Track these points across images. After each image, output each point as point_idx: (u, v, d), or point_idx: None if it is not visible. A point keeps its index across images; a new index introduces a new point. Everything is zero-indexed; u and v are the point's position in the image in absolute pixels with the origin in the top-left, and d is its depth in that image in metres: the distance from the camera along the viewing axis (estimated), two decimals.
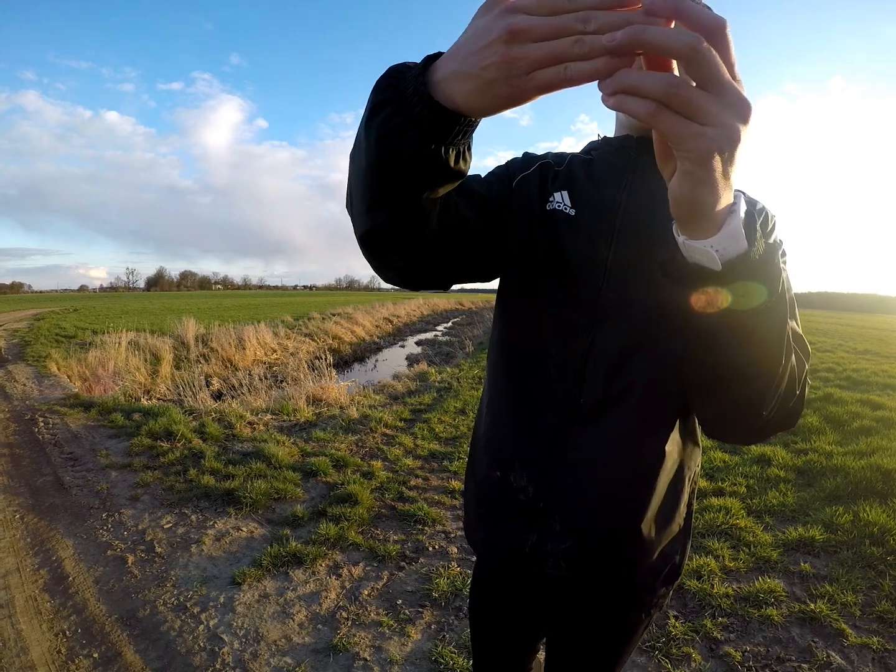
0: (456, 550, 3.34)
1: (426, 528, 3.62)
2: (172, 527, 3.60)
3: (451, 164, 0.62)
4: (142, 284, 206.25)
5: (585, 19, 0.44)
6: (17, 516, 3.77)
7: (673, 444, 0.94)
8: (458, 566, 3.16)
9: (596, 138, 1.05)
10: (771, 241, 0.59)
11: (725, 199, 0.51)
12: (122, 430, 5.71)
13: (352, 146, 0.68)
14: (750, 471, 4.58)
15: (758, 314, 0.58)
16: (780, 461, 4.76)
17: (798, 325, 0.80)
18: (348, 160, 0.69)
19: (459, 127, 0.58)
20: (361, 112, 0.64)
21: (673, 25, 0.44)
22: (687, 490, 0.99)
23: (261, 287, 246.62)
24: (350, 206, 0.74)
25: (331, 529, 3.46)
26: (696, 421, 0.97)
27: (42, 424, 5.93)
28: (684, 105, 0.43)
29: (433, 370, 10.24)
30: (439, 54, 0.56)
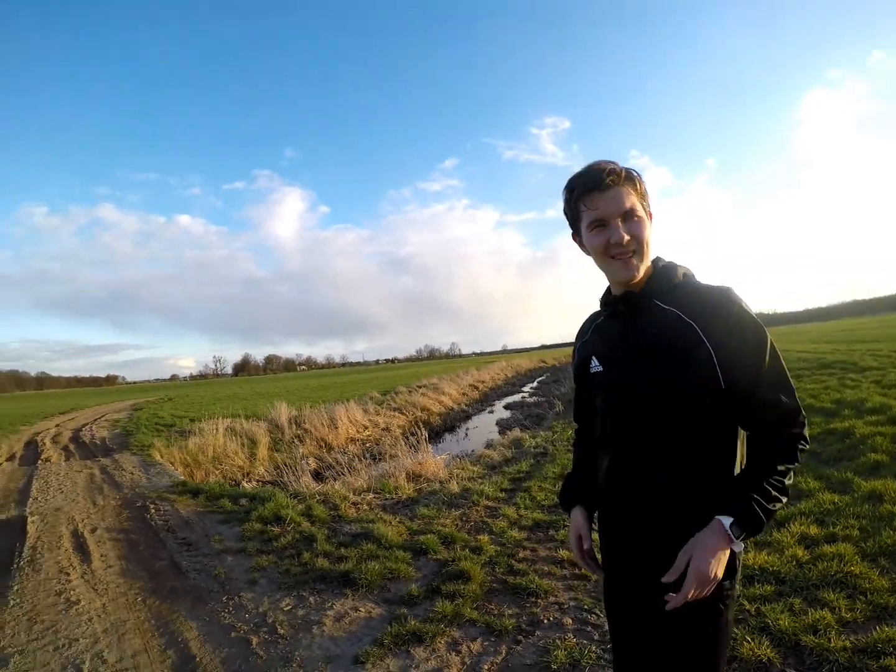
0: (571, 621, 3.33)
1: (539, 600, 3.63)
2: (292, 609, 3.72)
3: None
4: (229, 370, 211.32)
5: None
6: (139, 599, 3.97)
7: None
8: (574, 637, 3.13)
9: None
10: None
11: (724, 555, 1.29)
12: (231, 515, 5.99)
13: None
14: (861, 510, 4.30)
15: None
16: (891, 496, 4.43)
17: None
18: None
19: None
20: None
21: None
22: None
23: (343, 365, 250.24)
24: None
25: (446, 606, 3.51)
26: None
27: (153, 511, 6.27)
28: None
29: (527, 435, 10.25)
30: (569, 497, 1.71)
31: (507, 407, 21.56)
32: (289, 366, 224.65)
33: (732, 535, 1.26)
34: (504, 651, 3.08)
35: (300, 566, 4.41)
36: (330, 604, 3.76)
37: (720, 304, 1.32)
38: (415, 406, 19.22)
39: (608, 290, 1.54)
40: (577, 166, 1.43)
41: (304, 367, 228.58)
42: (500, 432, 14.08)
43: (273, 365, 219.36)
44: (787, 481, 1.30)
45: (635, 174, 1.38)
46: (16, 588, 4.29)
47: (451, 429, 17.47)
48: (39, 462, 10.28)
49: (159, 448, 10.86)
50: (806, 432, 1.33)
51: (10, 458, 11.17)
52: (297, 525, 5.42)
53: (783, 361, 1.33)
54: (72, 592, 4.15)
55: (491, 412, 20.99)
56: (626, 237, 1.32)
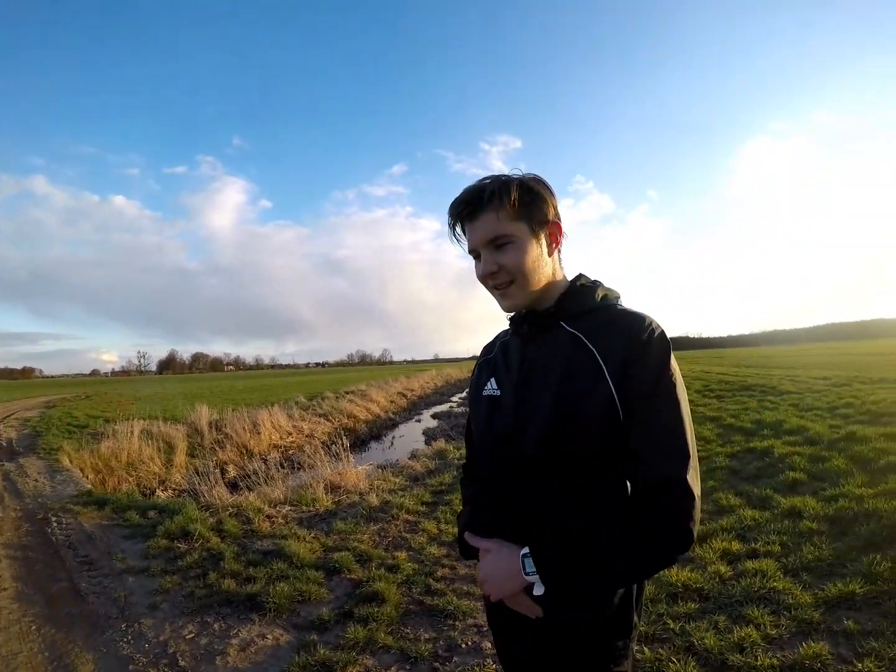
0: (490, 645, 3.19)
1: (457, 622, 3.49)
2: (195, 637, 3.44)
3: None
4: (153, 367, 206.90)
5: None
6: (34, 627, 3.63)
7: None
8: (494, 663, 2.99)
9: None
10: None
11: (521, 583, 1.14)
12: (137, 529, 5.59)
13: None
14: (782, 526, 4.40)
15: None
16: (811, 512, 4.56)
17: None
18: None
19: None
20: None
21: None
22: None
23: (272, 367, 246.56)
24: None
25: (359, 632, 3.32)
26: None
27: (55, 524, 5.83)
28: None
29: (451, 447, 10.15)
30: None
31: (434, 416, 21.55)
32: (216, 365, 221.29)
33: (524, 568, 1.13)
34: None
35: (205, 588, 4.10)
36: (235, 630, 3.49)
37: (629, 331, 1.14)
38: (341, 413, 18.99)
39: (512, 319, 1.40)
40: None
41: (231, 367, 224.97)
42: (425, 442, 13.97)
43: (200, 363, 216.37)
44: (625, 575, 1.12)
45: (513, 187, 1.18)
46: None
47: (378, 437, 17.28)
48: None
49: (68, 452, 10.23)
50: (692, 526, 1.04)
51: None
52: (205, 541, 5.07)
53: (686, 413, 1.11)
54: None
55: (418, 421, 20.90)
56: (494, 268, 1.21)
